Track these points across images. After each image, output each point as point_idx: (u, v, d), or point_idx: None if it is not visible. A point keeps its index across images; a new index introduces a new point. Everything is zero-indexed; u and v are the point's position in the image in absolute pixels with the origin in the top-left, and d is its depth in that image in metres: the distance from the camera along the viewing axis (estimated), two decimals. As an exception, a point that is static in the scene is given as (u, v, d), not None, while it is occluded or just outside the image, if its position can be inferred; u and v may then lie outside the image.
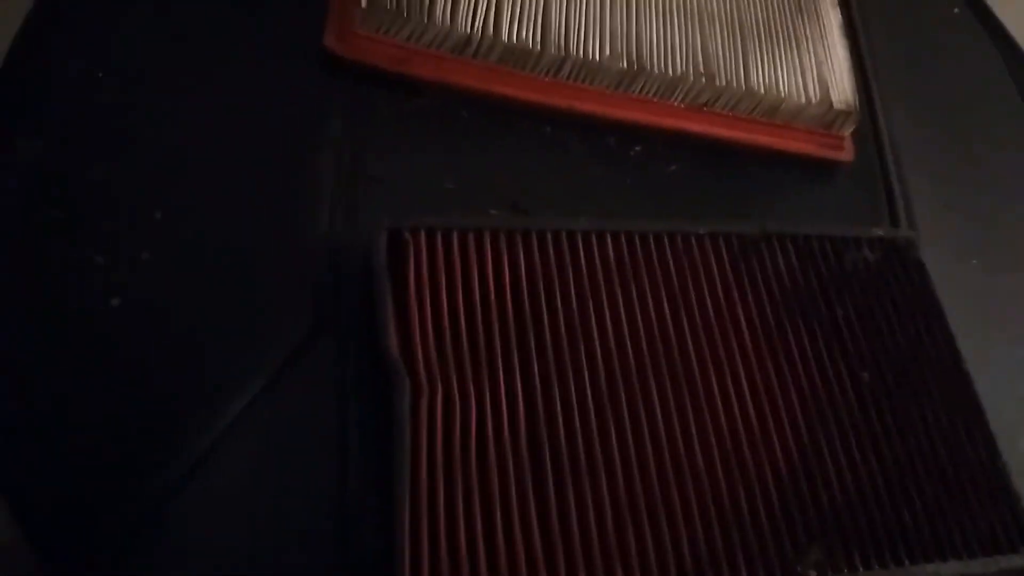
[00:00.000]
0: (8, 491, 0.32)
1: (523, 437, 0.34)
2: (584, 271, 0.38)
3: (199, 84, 0.42)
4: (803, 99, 0.48)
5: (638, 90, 0.47)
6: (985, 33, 0.63)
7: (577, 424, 0.34)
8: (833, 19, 0.52)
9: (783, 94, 0.48)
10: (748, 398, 0.37)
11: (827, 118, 0.49)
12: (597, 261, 0.39)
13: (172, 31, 0.43)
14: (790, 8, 0.51)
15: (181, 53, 0.43)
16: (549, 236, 0.39)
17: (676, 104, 0.48)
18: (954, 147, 0.55)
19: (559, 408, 0.35)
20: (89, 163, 0.39)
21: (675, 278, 0.40)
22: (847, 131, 0.49)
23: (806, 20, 0.51)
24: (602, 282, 0.38)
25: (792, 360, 0.39)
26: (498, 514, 0.32)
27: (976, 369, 0.46)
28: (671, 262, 0.40)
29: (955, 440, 0.39)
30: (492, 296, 0.36)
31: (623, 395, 0.36)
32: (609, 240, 0.40)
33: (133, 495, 0.32)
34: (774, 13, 0.50)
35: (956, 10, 0.64)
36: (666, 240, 0.41)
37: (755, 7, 0.50)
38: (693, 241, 0.41)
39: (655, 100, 0.47)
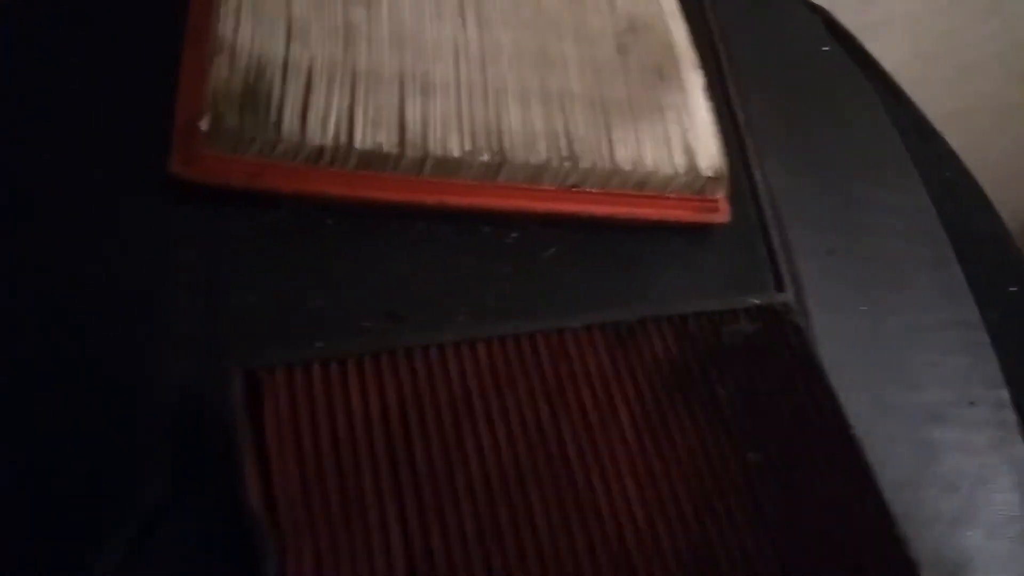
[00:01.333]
0: None
1: (401, 578, 0.32)
2: (455, 387, 0.37)
3: (39, 221, 0.40)
4: (671, 169, 0.48)
5: (505, 179, 0.46)
6: (856, 68, 0.65)
7: (459, 560, 0.33)
8: (696, 83, 0.52)
9: (650, 167, 0.47)
10: (633, 497, 0.36)
11: (696, 185, 0.49)
12: (469, 373, 0.38)
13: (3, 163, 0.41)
14: (652, 78, 0.51)
15: (18, 187, 0.40)
16: (417, 353, 0.38)
17: (547, 188, 0.47)
18: (833, 193, 0.56)
19: (440, 546, 0.33)
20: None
21: (552, 379, 0.39)
22: (719, 195, 0.49)
23: (669, 88, 0.51)
24: (477, 395, 0.37)
25: (675, 449, 0.38)
26: None
27: (875, 418, 0.46)
28: (546, 362, 0.39)
29: (851, 516, 0.39)
30: (359, 430, 0.35)
31: (505, 517, 0.34)
32: (481, 348, 0.39)
33: None
34: (636, 85, 0.50)
35: (826, 48, 0.65)
36: (540, 340, 0.40)
37: (617, 82, 0.50)
38: (568, 336, 0.40)
39: (526, 186, 0.47)
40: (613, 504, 0.36)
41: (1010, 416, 0.49)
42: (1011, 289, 0.56)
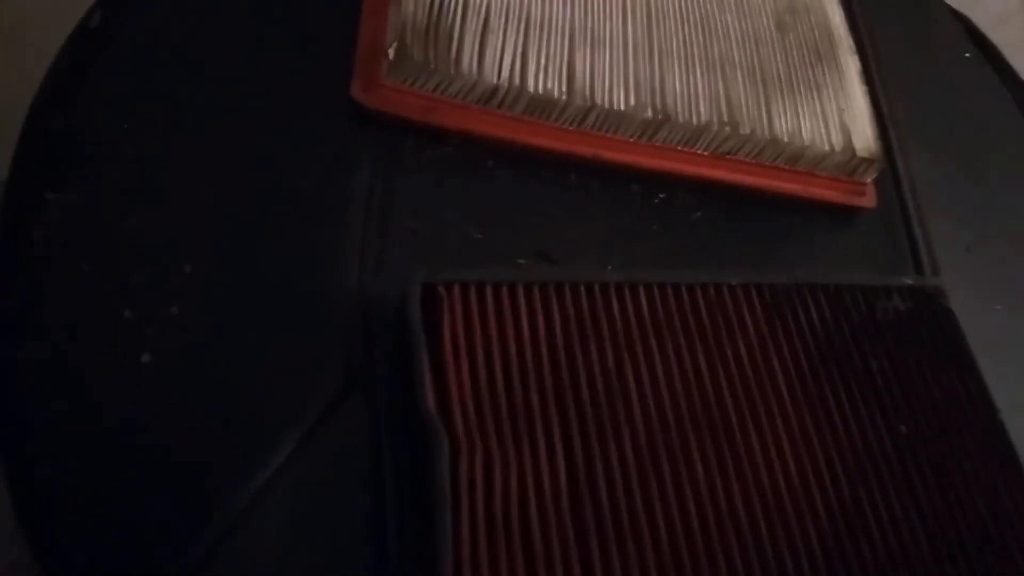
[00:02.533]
0: (39, 555, 0.31)
1: (565, 499, 0.33)
2: (618, 324, 0.38)
3: (226, 135, 0.42)
4: (826, 147, 0.48)
5: (663, 139, 0.47)
6: (996, 76, 0.64)
7: (619, 484, 0.34)
8: (852, 66, 0.52)
9: (806, 142, 0.48)
10: (788, 453, 0.37)
11: (850, 166, 0.49)
12: (631, 313, 0.39)
13: (198, 83, 0.43)
14: (810, 57, 0.51)
15: (208, 104, 0.42)
16: (582, 289, 0.39)
17: (700, 152, 0.48)
18: (972, 191, 0.56)
19: (600, 468, 0.34)
20: (116, 216, 0.38)
21: (709, 330, 0.39)
22: (869, 178, 0.50)
23: (826, 68, 0.51)
24: (637, 336, 0.38)
25: (829, 413, 0.39)
26: (542, 570, 0.31)
27: (1008, 414, 0.46)
28: (704, 313, 0.40)
29: (994, 494, 0.38)
30: (528, 352, 0.36)
31: (663, 452, 0.35)
32: (642, 292, 0.39)
33: (170, 561, 0.31)
34: (794, 62, 0.51)
35: (967, 55, 0.64)
36: (699, 291, 0.40)
37: (776, 56, 0.51)
38: (726, 291, 0.41)
39: (678, 148, 0.47)
40: (768, 457, 0.36)
41: None
42: None
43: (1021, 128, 0.61)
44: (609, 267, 0.44)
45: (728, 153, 0.48)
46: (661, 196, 0.48)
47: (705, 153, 0.48)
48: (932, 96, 0.60)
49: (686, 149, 0.48)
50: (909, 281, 0.44)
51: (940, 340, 0.42)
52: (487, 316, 0.36)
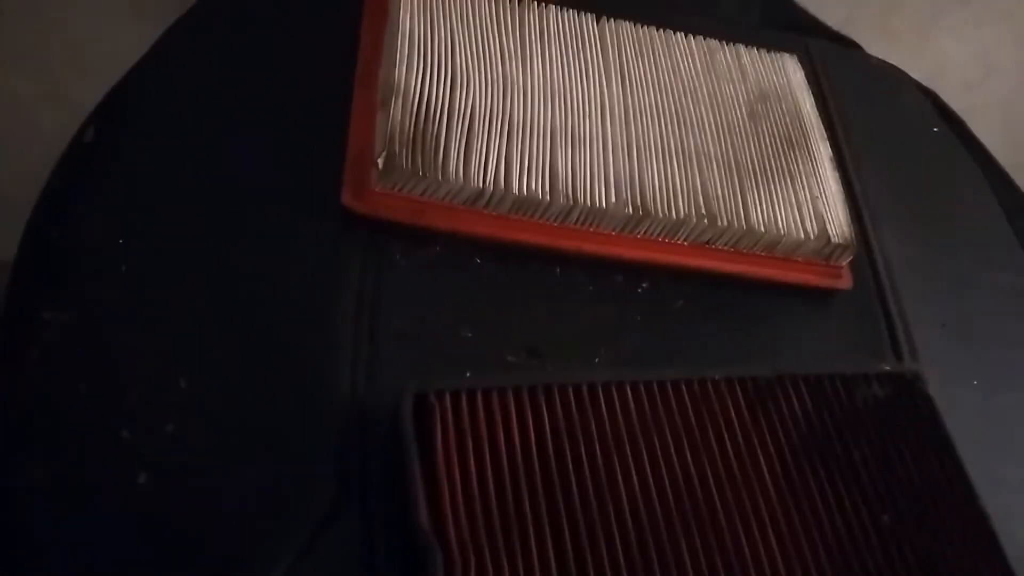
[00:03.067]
0: None
1: (559, 609, 0.34)
2: (606, 424, 0.39)
3: (218, 246, 0.43)
4: (801, 235, 0.50)
5: (643, 232, 0.48)
6: (963, 149, 0.67)
7: (610, 587, 0.34)
8: (824, 152, 0.54)
9: (782, 231, 0.49)
10: (774, 545, 0.38)
11: (825, 251, 0.50)
12: (618, 412, 0.40)
13: (190, 195, 0.44)
14: (782, 145, 0.53)
15: (200, 216, 0.44)
16: (570, 390, 0.40)
17: (680, 242, 0.49)
18: (945, 267, 0.57)
19: (591, 570, 0.35)
20: (113, 332, 0.39)
21: (695, 426, 0.40)
22: (844, 261, 0.51)
23: (798, 155, 0.53)
24: (624, 434, 0.39)
25: (814, 505, 0.39)
26: None
27: (987, 492, 0.47)
28: (689, 409, 0.41)
29: (978, 582, 0.39)
30: (519, 457, 0.37)
31: (654, 553, 0.36)
32: (628, 390, 0.40)
33: None
34: (767, 151, 0.53)
35: (936, 129, 0.67)
36: (683, 387, 0.41)
37: (749, 146, 0.52)
38: (709, 386, 0.42)
39: (659, 239, 0.49)
40: (756, 551, 0.37)
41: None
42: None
43: (989, 202, 0.63)
44: (596, 360, 0.45)
45: (707, 243, 0.49)
46: (644, 286, 0.49)
47: (685, 244, 0.49)
48: (903, 173, 0.62)
49: (666, 240, 0.49)
50: (888, 368, 0.45)
51: (920, 426, 0.44)
52: (478, 423, 0.37)
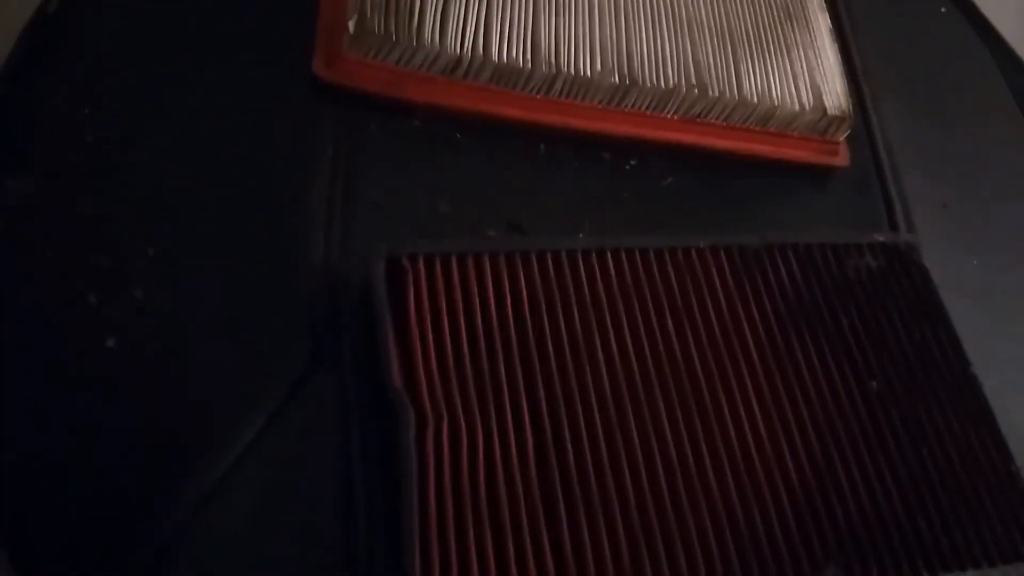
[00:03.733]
0: (8, 539, 0.31)
1: (533, 467, 0.33)
2: (586, 291, 0.38)
3: (187, 116, 0.41)
4: (796, 106, 0.48)
5: (631, 104, 0.46)
6: (973, 30, 0.64)
7: (587, 451, 0.34)
8: (822, 23, 0.52)
9: (776, 102, 0.47)
10: (757, 413, 0.37)
11: (821, 124, 0.48)
12: (598, 279, 0.38)
13: (157, 64, 0.43)
14: (779, 15, 0.51)
15: (167, 85, 0.42)
16: (549, 256, 0.38)
17: (669, 116, 0.47)
18: (948, 146, 0.55)
19: (568, 435, 0.34)
20: (78, 200, 0.38)
21: (678, 293, 0.39)
22: (841, 136, 0.49)
23: (795, 26, 0.51)
24: (604, 301, 0.38)
25: (800, 372, 0.39)
26: (511, 547, 0.31)
27: (983, 369, 0.46)
28: (673, 277, 0.40)
29: (967, 447, 0.39)
30: (495, 321, 0.36)
31: (632, 418, 0.35)
32: (609, 258, 0.39)
33: (138, 540, 0.31)
34: (763, 20, 0.50)
35: (943, 9, 0.64)
36: (667, 255, 0.40)
37: (744, 15, 0.50)
38: (694, 255, 0.41)
39: (648, 114, 0.47)
40: (738, 419, 0.37)
41: None
42: None
43: (997, 81, 0.60)
44: (580, 235, 0.44)
45: (698, 116, 0.47)
46: (632, 163, 0.48)
47: (675, 117, 0.47)
48: (906, 51, 0.59)
49: (656, 114, 0.47)
50: (881, 238, 0.43)
51: (912, 296, 0.42)
52: (453, 288, 0.36)
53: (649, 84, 0.46)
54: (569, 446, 0.34)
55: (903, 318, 0.41)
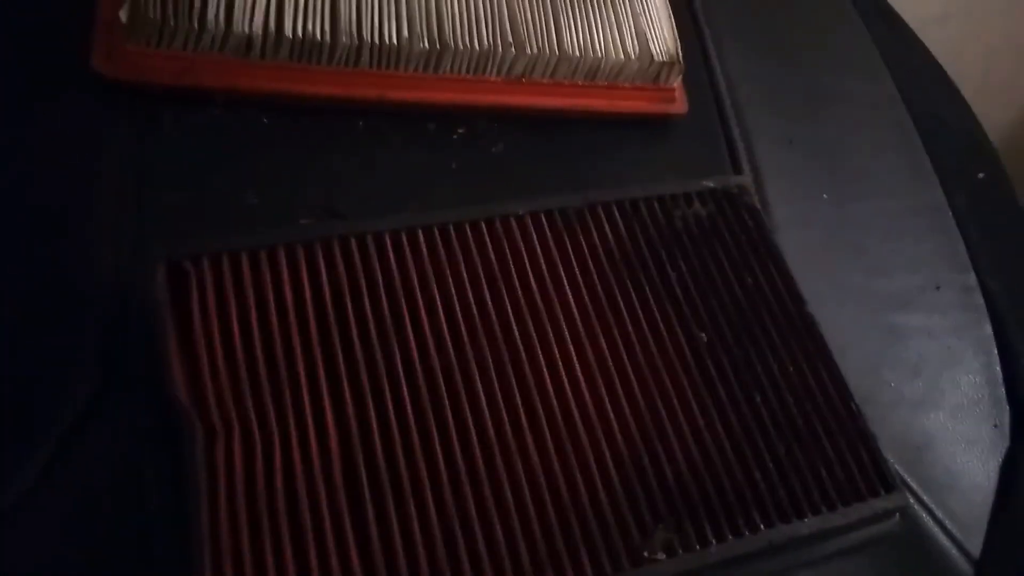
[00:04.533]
0: None
1: (336, 462, 0.31)
2: (396, 275, 0.36)
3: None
4: (622, 56, 0.46)
5: (447, 69, 0.44)
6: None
7: (396, 438, 0.32)
8: (649, -33, 0.50)
9: (600, 54, 0.45)
10: (581, 380, 0.35)
11: (650, 72, 0.47)
12: (409, 260, 0.36)
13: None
14: (601, -38, 0.49)
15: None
16: (353, 242, 0.36)
17: (493, 79, 0.45)
18: (795, 83, 0.54)
19: (375, 425, 0.32)
20: None
21: (495, 263, 0.37)
22: (674, 82, 0.48)
23: (619, -27, 0.49)
24: (416, 284, 0.36)
25: (625, 332, 0.37)
26: (312, 549, 0.30)
27: (836, 303, 0.45)
28: (491, 249, 0.38)
29: (804, 388, 0.38)
30: (293, 319, 0.34)
31: (447, 402, 0.33)
32: (422, 236, 0.37)
33: None
34: (584, -31, 0.48)
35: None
36: (483, 226, 0.38)
37: (564, -34, 0.48)
38: (513, 223, 0.39)
39: (471, 78, 0.45)
40: (560, 388, 0.35)
41: (977, 299, 0.48)
42: (979, 175, 0.54)
43: (846, 11, 0.59)
44: (405, 214, 0.42)
45: (522, 76, 0.45)
46: (460, 132, 0.45)
47: (498, 79, 0.45)
48: (752, -12, 0.58)
49: (478, 78, 0.45)
50: (709, 183, 0.42)
51: (744, 240, 0.41)
52: (244, 286, 0.34)
53: (462, 46, 0.43)
54: (377, 438, 0.32)
55: (734, 264, 0.40)
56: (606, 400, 0.35)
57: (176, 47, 0.40)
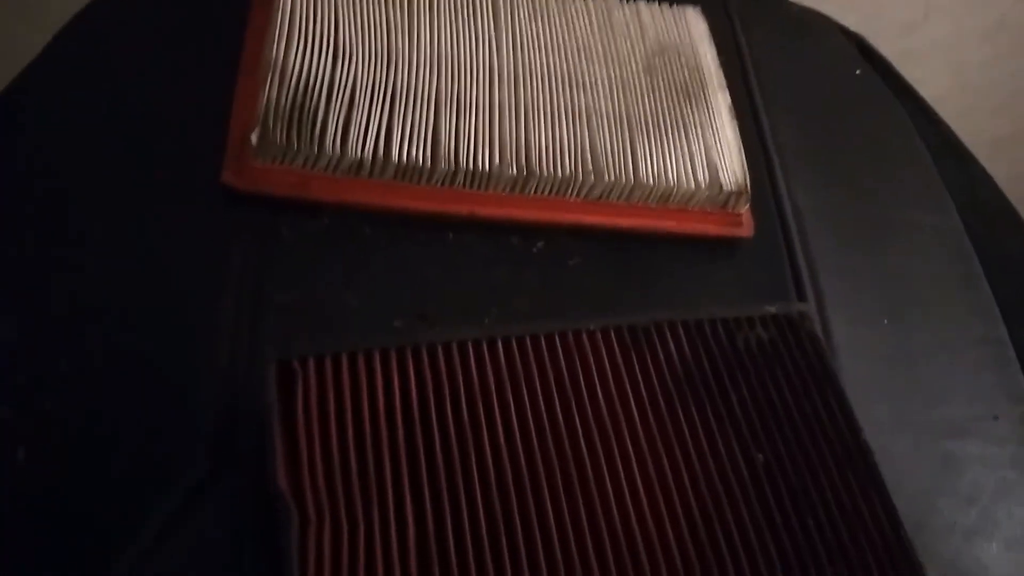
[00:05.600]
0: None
1: (412, 556, 0.34)
2: (475, 382, 0.39)
3: (101, 229, 0.44)
4: (692, 185, 0.50)
5: (532, 191, 0.49)
6: (888, 91, 0.66)
7: (469, 544, 0.35)
8: (721, 102, 0.54)
9: (672, 182, 0.49)
10: (642, 494, 0.38)
11: (719, 199, 0.50)
12: (488, 369, 0.40)
13: (74, 173, 0.45)
14: (678, 98, 0.53)
15: (81, 195, 0.45)
16: (440, 349, 0.40)
17: (573, 200, 0.49)
18: (861, 210, 0.57)
19: (451, 528, 0.35)
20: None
21: (567, 376, 0.41)
22: (741, 209, 0.51)
23: (694, 107, 0.53)
24: (494, 392, 0.39)
25: (685, 449, 0.40)
26: None
27: (894, 430, 0.47)
28: (563, 362, 0.41)
29: (856, 516, 0.39)
30: (383, 420, 0.38)
31: (516, 510, 0.36)
32: (500, 346, 0.41)
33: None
34: (662, 104, 0.53)
35: (858, 71, 0.66)
36: (557, 339, 0.42)
37: (644, 101, 0.52)
38: (584, 337, 0.42)
39: (552, 198, 0.49)
40: (623, 504, 0.38)
41: (1035, 432, 0.49)
42: (1042, 308, 0.56)
43: (913, 142, 0.62)
44: (485, 321, 0.46)
45: (600, 198, 0.50)
46: (539, 245, 0.50)
47: (578, 200, 0.49)
48: (821, 118, 0.61)
49: (559, 199, 0.49)
50: (772, 309, 0.45)
51: (804, 366, 0.43)
52: (342, 387, 0.38)
53: (547, 173, 0.48)
54: (451, 539, 0.35)
55: (793, 389, 0.42)
56: (666, 517, 0.37)
57: (296, 165, 0.46)
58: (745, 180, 0.50)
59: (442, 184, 0.48)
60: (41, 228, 0.43)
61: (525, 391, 0.40)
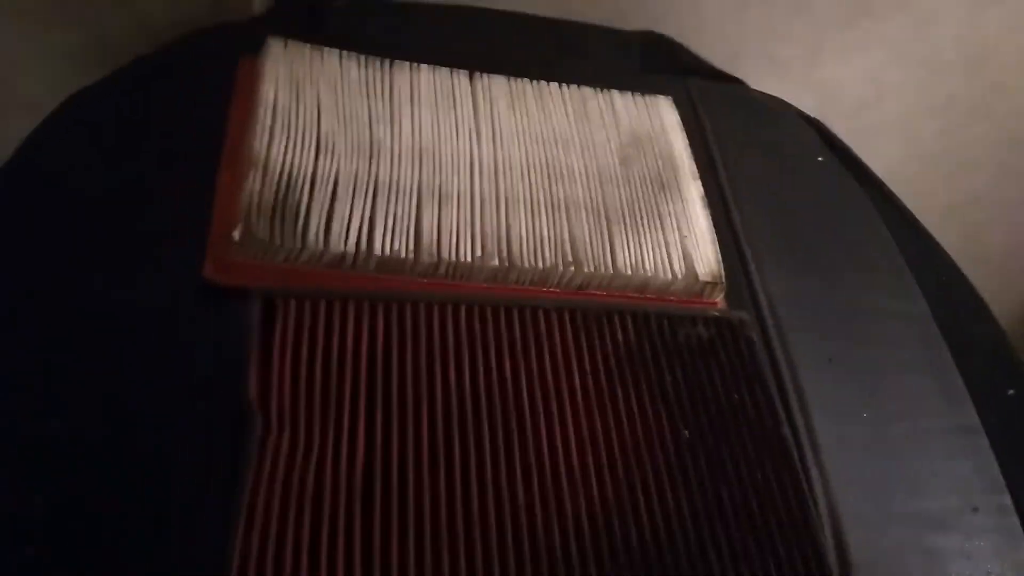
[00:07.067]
0: None
1: (358, 471, 0.38)
2: (436, 336, 0.44)
3: (88, 326, 0.43)
4: (669, 275, 0.50)
5: (513, 282, 0.49)
6: (850, 176, 0.68)
7: (410, 467, 0.39)
8: (694, 192, 0.55)
9: (650, 272, 0.50)
10: (573, 449, 0.42)
11: (694, 289, 0.51)
12: (449, 327, 0.44)
13: (61, 273, 0.45)
14: (652, 187, 0.55)
15: (65, 300, 0.44)
16: (408, 306, 0.44)
17: (553, 290, 0.50)
18: (832, 298, 0.57)
19: (395, 453, 0.40)
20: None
21: (519, 341, 0.45)
22: (716, 298, 0.52)
23: (669, 197, 0.54)
24: (452, 346, 0.43)
25: (618, 415, 0.44)
26: (324, 530, 0.36)
27: (877, 525, 0.47)
28: (517, 328, 0.45)
29: (767, 492, 0.43)
30: (349, 356, 0.41)
31: (457, 443, 0.41)
32: (463, 310, 0.45)
33: None
34: (638, 194, 0.54)
35: (820, 159, 0.68)
36: (515, 312, 0.46)
37: (620, 191, 0.54)
38: (540, 313, 0.46)
39: (533, 288, 0.50)
40: (555, 453, 0.42)
41: (1013, 522, 0.49)
42: (1009, 392, 0.57)
43: (877, 228, 0.64)
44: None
45: (580, 288, 0.50)
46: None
47: (557, 291, 0.50)
48: (787, 206, 0.62)
49: (540, 289, 0.50)
50: (715, 312, 0.49)
51: (737, 363, 0.47)
52: (317, 324, 0.42)
53: (527, 265, 0.48)
54: (395, 461, 0.39)
55: (724, 381, 0.46)
56: (591, 466, 0.42)
57: (278, 260, 0.46)
58: (720, 270, 0.52)
59: (422, 275, 0.48)
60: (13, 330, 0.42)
61: (480, 349, 0.44)
